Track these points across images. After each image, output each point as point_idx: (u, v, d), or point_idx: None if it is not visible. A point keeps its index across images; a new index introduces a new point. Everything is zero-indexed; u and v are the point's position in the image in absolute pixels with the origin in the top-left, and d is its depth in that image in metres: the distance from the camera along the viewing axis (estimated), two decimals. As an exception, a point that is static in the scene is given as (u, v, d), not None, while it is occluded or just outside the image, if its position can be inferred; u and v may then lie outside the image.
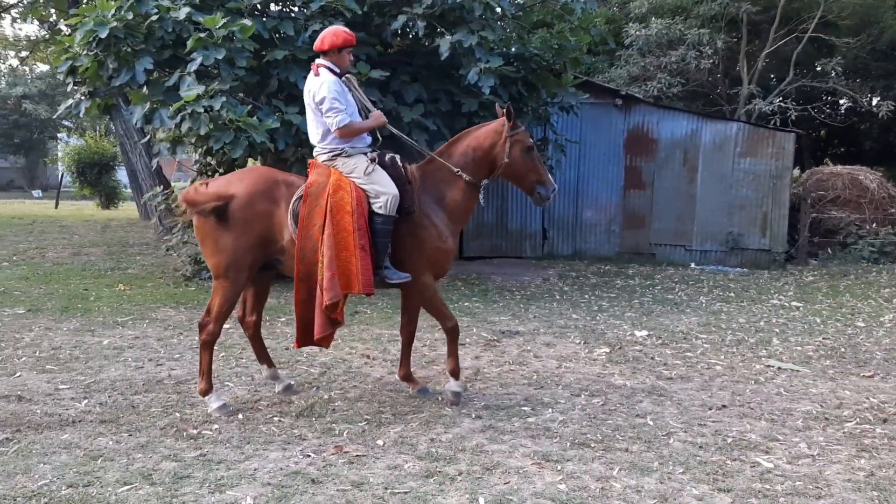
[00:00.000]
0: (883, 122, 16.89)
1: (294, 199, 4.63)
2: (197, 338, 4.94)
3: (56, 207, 22.92)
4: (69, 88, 9.14)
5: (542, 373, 5.83)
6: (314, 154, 4.89)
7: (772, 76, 19.28)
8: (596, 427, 4.57)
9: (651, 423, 4.69)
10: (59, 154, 31.54)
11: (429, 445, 4.20)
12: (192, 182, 7.58)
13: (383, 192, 4.62)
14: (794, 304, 9.22)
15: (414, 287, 4.84)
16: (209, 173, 9.43)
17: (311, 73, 4.78)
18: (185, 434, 4.29)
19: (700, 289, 10.24)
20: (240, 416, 4.64)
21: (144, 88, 8.27)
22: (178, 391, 5.13)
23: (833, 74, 16.65)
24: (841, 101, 19.37)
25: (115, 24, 7.60)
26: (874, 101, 17.75)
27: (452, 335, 4.94)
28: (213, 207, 4.55)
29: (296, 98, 7.94)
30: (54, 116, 22.84)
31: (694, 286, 10.43)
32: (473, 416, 4.72)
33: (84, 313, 7.54)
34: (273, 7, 9.45)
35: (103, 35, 7.60)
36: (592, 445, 4.26)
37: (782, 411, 5.02)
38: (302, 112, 5.33)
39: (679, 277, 11.17)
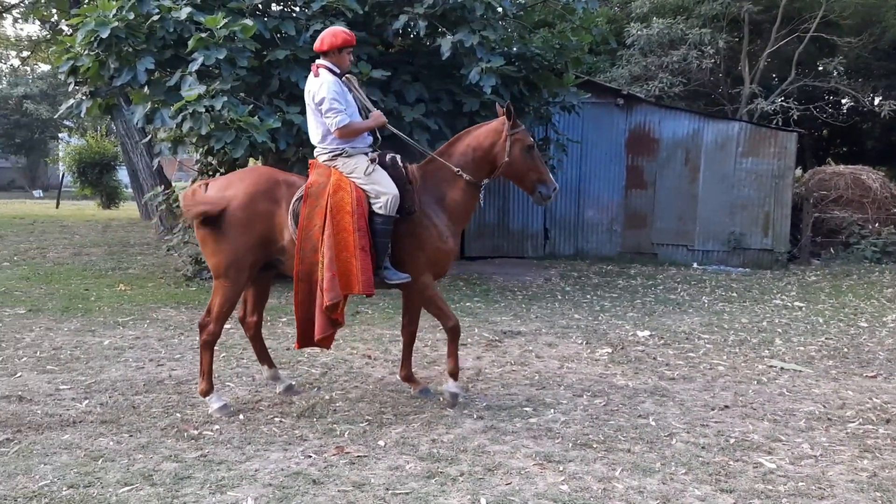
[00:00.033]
0: (885, 121, 16.87)
1: (294, 199, 4.63)
2: (198, 338, 4.93)
3: (57, 207, 22.94)
4: (70, 88, 9.15)
5: (544, 373, 5.82)
6: (315, 154, 4.88)
7: (773, 76, 19.26)
8: (598, 428, 4.56)
9: (653, 423, 4.67)
10: (61, 154, 31.55)
11: (430, 446, 4.19)
12: (194, 182, 7.59)
13: (384, 192, 4.61)
14: (796, 304, 9.21)
15: (414, 287, 4.83)
16: (210, 173, 9.42)
17: (311, 74, 4.78)
18: (185, 434, 4.28)
19: (702, 289, 10.22)
20: (241, 416, 4.63)
21: (146, 88, 8.27)
22: (179, 392, 5.12)
23: (835, 74, 16.62)
24: (843, 101, 19.33)
25: (116, 23, 7.61)
26: (876, 101, 17.72)
27: (453, 335, 4.92)
28: (207, 215, 4.55)
29: (297, 98, 7.93)
30: (55, 116, 22.87)
31: (696, 286, 10.42)
32: (475, 416, 4.71)
33: (85, 313, 7.54)
34: (274, 7, 9.44)
35: (104, 35, 7.60)
36: (594, 446, 4.24)
37: (785, 412, 5.00)
38: (303, 112, 5.32)
39: (681, 277, 11.16)
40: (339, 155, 4.72)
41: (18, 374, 5.42)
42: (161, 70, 8.34)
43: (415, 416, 4.71)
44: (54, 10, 20.29)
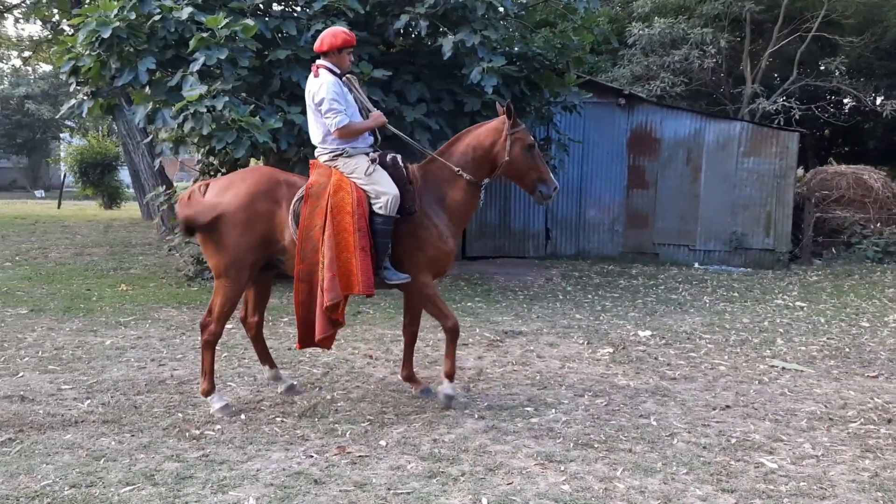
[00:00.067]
0: (887, 121, 16.83)
1: (295, 199, 4.63)
2: (199, 338, 4.93)
3: (59, 207, 22.96)
4: (72, 88, 9.16)
5: (546, 373, 5.82)
6: (315, 154, 4.88)
7: (775, 75, 19.24)
8: (599, 427, 4.56)
9: (654, 423, 4.67)
10: (62, 154, 31.59)
11: (432, 446, 4.19)
12: (195, 182, 7.59)
13: (384, 192, 4.61)
14: (798, 303, 9.20)
15: (413, 287, 4.83)
16: (212, 173, 9.43)
17: (311, 75, 4.78)
18: (187, 434, 4.29)
19: (704, 289, 10.21)
20: (242, 416, 4.63)
21: (147, 88, 8.28)
22: (181, 391, 5.12)
23: (837, 74, 16.59)
24: (845, 101, 19.31)
25: (117, 24, 7.62)
26: (878, 101, 17.70)
27: (452, 335, 4.91)
28: (190, 223, 4.57)
29: (298, 98, 7.93)
30: (57, 116, 22.93)
31: (697, 286, 10.41)
32: (476, 416, 4.71)
33: (86, 313, 7.55)
34: (275, 7, 9.45)
35: (106, 35, 7.61)
36: (596, 446, 4.24)
37: (786, 412, 5.00)
38: (304, 112, 5.32)
39: (682, 277, 11.15)
40: (340, 155, 4.72)
41: (20, 374, 5.43)
42: (162, 70, 8.35)
43: (416, 415, 4.71)
44: (56, 11, 20.30)
